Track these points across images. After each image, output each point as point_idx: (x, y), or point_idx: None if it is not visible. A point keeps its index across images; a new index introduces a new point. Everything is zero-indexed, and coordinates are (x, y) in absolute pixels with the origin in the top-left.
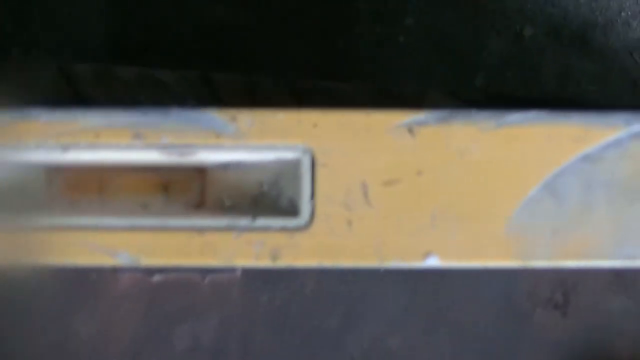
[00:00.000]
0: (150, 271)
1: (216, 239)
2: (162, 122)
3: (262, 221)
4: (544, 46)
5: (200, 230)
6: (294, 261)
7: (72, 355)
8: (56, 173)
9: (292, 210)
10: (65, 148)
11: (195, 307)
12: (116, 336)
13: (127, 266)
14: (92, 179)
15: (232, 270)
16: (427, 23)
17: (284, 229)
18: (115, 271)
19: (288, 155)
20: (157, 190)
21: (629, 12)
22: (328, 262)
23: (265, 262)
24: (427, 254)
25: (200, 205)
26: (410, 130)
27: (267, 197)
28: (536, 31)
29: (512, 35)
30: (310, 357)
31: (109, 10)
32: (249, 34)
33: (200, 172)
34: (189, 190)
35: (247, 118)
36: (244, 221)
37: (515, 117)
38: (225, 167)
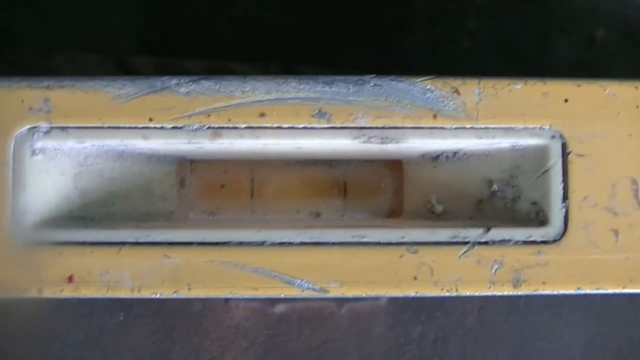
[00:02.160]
0: (271, 300)
1: (431, 259)
2: (355, 96)
3: (497, 233)
4: (616, 50)
5: (409, 246)
6: (543, 287)
7: None
8: (194, 167)
9: (537, 217)
10: (217, 132)
11: (329, 345)
12: None
13: (310, 297)
14: (244, 176)
15: (375, 296)
16: (491, 25)
17: (527, 244)
18: (225, 300)
19: (529, 141)
20: (333, 191)
21: None
22: (589, 287)
23: (504, 289)
24: None
25: (394, 212)
26: None
27: (497, 201)
28: (608, 34)
29: (582, 38)
30: None
31: (143, 7)
32: (299, 36)
33: (394, 165)
34: (378, 191)
35: (473, 90)
36: (472, 233)
37: None
38: (434, 158)
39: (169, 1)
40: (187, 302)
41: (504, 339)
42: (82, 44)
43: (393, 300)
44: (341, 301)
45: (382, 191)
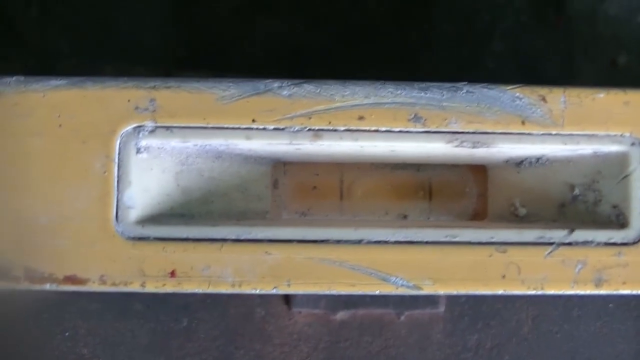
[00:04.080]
0: (333, 307)
1: (519, 258)
2: (449, 102)
3: (580, 234)
4: (638, 74)
5: (498, 246)
6: (623, 287)
7: None
8: (287, 169)
9: (617, 220)
10: (317, 134)
11: (388, 351)
12: None
13: (401, 294)
14: (334, 178)
15: (434, 303)
16: (516, 48)
17: (609, 245)
18: (287, 305)
19: (611, 147)
20: (419, 194)
21: None
22: None
23: (587, 288)
24: None
25: (478, 214)
26: None
27: (579, 204)
28: (631, 59)
29: (605, 62)
30: None
31: (174, 24)
32: (324, 56)
33: (478, 170)
34: (463, 194)
35: (559, 98)
36: (557, 234)
37: None
38: (517, 164)
39: (198, 17)
40: (250, 308)
41: (558, 348)
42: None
43: (451, 309)
44: (400, 309)
45: (466, 195)
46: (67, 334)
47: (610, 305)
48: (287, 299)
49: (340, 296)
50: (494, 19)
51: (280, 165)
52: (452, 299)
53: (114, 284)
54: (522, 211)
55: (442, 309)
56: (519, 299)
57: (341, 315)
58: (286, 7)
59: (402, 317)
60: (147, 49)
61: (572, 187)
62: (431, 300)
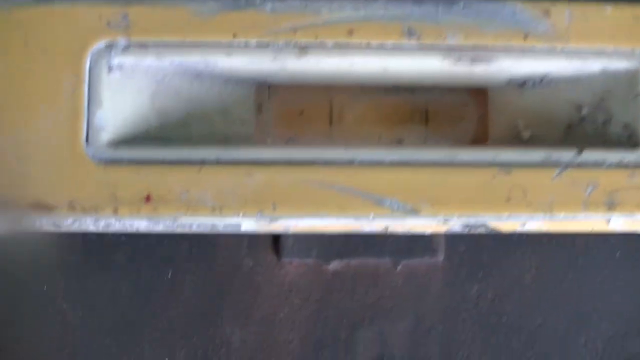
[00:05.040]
0: (326, 257)
1: (525, 180)
2: (445, 16)
3: (590, 155)
4: None
5: (501, 167)
6: (636, 209)
7: None
8: (272, 92)
9: (628, 141)
10: (304, 49)
11: (384, 303)
12: (279, 342)
13: (397, 217)
14: (322, 103)
15: (433, 251)
16: None
17: (621, 167)
18: (277, 255)
19: (620, 64)
20: (415, 119)
21: None
22: None
23: (599, 211)
24: None
25: (478, 138)
26: None
27: (588, 124)
28: None
29: None
30: None
31: None
32: None
33: (479, 93)
34: (462, 118)
35: (564, 12)
36: (565, 155)
37: None
38: (520, 84)
39: None
40: (238, 259)
41: (562, 298)
42: None
43: (450, 258)
44: (397, 258)
45: (466, 118)
46: (45, 287)
47: (617, 253)
48: (277, 248)
49: (333, 245)
50: None
51: (264, 88)
52: (451, 248)
53: (83, 210)
54: (526, 133)
55: (440, 257)
56: (521, 247)
57: (334, 265)
58: None
59: (399, 267)
60: None
61: (580, 107)
62: (429, 248)
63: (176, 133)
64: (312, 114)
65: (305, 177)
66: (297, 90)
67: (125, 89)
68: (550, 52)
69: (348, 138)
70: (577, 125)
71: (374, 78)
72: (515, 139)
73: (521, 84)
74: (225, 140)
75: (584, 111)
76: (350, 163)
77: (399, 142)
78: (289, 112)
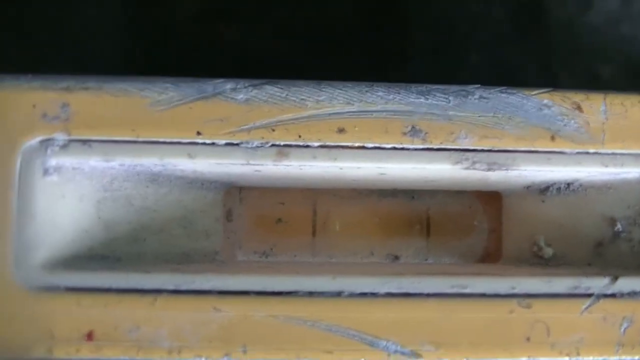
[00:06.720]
0: None
1: (548, 315)
2: (457, 111)
3: (626, 283)
4: (622, 88)
5: (521, 299)
6: None
7: None
8: (244, 196)
9: None
10: (282, 151)
11: None
12: None
13: None
14: (305, 208)
15: None
16: (494, 60)
17: None
18: None
19: None
20: (414, 229)
21: None
22: None
23: (636, 353)
24: None
25: (489, 255)
26: None
27: (622, 243)
28: (615, 72)
29: (588, 75)
30: None
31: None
32: (291, 67)
33: (491, 199)
34: (470, 230)
35: (599, 107)
36: (596, 283)
37: None
38: (542, 191)
39: (157, 23)
40: None
41: None
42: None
43: None
44: None
45: (474, 230)
46: None
47: None
48: None
49: None
50: (471, 30)
51: (235, 192)
52: None
53: (10, 350)
54: (548, 252)
55: None
56: None
57: None
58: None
59: None
60: (102, 56)
61: (613, 221)
62: None
63: (127, 251)
64: (292, 222)
65: (283, 312)
66: (275, 194)
67: (65, 196)
68: (582, 156)
69: (334, 253)
70: (610, 243)
71: (367, 183)
72: (535, 258)
73: (543, 190)
74: (186, 258)
75: (618, 226)
76: (337, 295)
77: (395, 259)
78: (264, 220)
